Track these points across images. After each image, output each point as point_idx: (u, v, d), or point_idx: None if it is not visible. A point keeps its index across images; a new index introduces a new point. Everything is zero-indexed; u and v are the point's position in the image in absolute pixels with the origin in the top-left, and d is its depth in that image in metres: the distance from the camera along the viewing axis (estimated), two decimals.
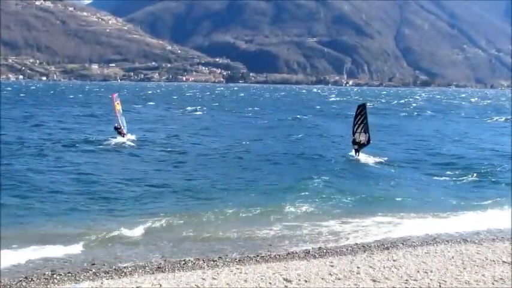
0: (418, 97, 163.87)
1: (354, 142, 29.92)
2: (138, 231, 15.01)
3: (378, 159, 28.60)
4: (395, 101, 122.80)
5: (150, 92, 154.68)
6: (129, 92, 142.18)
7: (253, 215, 16.99)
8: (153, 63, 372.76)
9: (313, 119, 58.10)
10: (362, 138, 29.52)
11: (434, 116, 71.64)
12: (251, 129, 46.00)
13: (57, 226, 15.40)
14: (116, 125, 35.86)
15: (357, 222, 16.51)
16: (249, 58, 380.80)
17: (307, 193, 19.99)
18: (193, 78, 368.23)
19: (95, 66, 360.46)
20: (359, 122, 29.79)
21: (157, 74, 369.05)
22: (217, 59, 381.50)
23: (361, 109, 30.27)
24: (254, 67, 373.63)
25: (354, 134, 29.85)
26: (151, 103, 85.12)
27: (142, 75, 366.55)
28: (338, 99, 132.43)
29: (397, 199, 19.74)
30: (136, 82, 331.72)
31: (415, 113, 75.72)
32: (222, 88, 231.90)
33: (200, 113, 66.16)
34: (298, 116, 61.52)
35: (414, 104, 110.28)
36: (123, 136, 35.18)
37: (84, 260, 12.66)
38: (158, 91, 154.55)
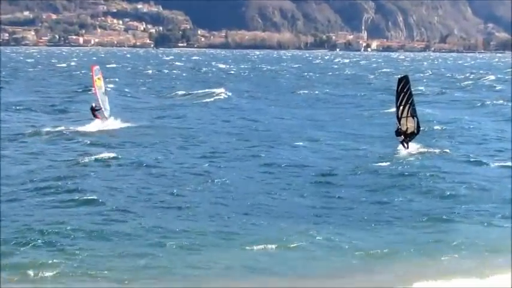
0: None
1: (399, 132, 27.02)
2: None
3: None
4: None
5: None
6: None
7: None
8: (26, 13, 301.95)
9: None
10: (410, 124, 26.98)
11: None
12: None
13: None
14: (93, 104, 34.26)
15: None
16: (195, 5, 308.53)
17: None
18: (96, 40, 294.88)
19: None
20: (403, 103, 27.21)
21: (33, 33, 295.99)
22: (140, 6, 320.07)
23: (403, 83, 27.68)
24: (204, 21, 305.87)
25: (399, 120, 27.06)
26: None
27: (7, 34, 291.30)
28: None
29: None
30: None
31: None
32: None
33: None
34: None
35: None
36: (102, 121, 33.73)
37: None
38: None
